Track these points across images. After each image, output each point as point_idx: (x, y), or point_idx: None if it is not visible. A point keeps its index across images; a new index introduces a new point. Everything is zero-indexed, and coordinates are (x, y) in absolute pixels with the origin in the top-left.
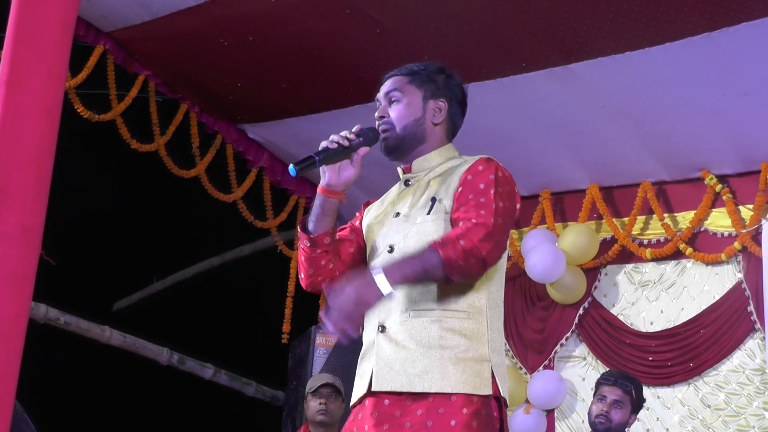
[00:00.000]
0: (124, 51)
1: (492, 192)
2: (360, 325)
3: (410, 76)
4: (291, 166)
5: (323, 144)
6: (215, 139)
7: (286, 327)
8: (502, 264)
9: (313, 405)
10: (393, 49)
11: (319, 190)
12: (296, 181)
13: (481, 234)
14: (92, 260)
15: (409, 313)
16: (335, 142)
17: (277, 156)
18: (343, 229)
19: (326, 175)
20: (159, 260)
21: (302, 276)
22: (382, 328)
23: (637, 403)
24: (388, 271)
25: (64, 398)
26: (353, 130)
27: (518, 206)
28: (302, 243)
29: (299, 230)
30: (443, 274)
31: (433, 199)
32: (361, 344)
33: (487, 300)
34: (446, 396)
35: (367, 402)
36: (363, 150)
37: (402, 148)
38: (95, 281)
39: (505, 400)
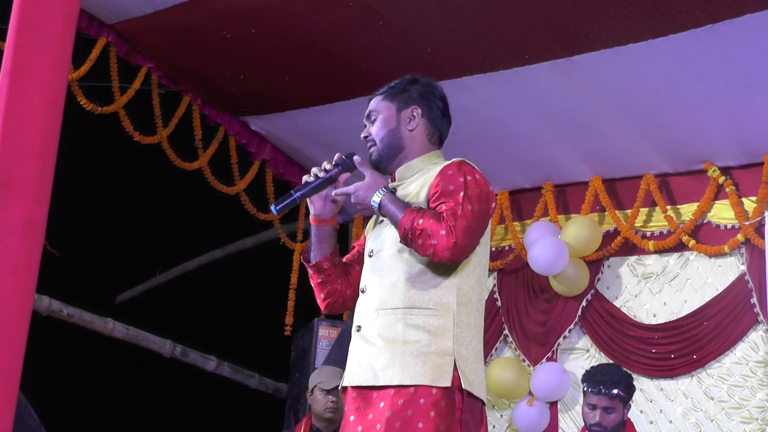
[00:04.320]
0: (127, 43)
1: (461, 195)
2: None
3: (384, 93)
4: (272, 206)
5: (304, 178)
6: (218, 131)
7: (288, 319)
8: (478, 262)
9: (323, 401)
10: (395, 41)
11: (310, 220)
12: (299, 173)
13: (443, 228)
14: (95, 253)
15: (378, 312)
16: (314, 175)
17: (279, 148)
18: (352, 249)
19: (313, 206)
20: (162, 252)
21: (319, 302)
22: (359, 328)
23: (628, 397)
24: (385, 198)
25: (67, 390)
26: (334, 159)
27: (493, 205)
28: (309, 272)
29: (302, 260)
30: (400, 235)
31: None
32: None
33: (456, 297)
34: (406, 388)
35: (346, 396)
36: (343, 176)
37: (384, 159)
38: (98, 274)
39: (470, 393)
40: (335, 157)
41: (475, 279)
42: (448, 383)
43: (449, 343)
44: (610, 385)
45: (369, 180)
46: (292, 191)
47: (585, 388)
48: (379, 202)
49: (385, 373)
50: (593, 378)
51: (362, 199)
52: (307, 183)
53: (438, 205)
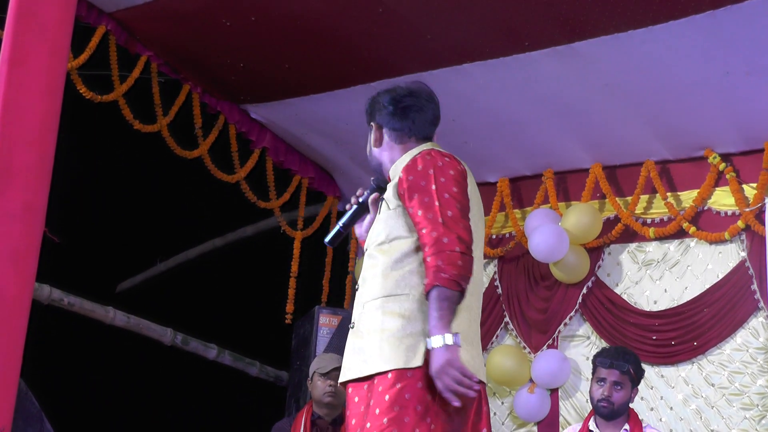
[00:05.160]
0: (126, 32)
1: (433, 188)
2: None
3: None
4: (325, 241)
5: (346, 207)
6: (218, 119)
7: (289, 307)
8: None
9: (321, 386)
10: (395, 28)
11: (359, 242)
12: (299, 161)
13: (441, 239)
14: (96, 241)
15: (364, 305)
16: (351, 204)
17: (279, 136)
18: None
19: (355, 231)
20: (162, 241)
21: None
22: (352, 324)
23: (637, 378)
24: (432, 333)
25: (68, 378)
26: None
27: (466, 181)
28: None
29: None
30: (455, 292)
31: (382, 200)
32: None
33: None
34: (384, 374)
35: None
36: (373, 196)
37: (379, 176)
38: (99, 262)
39: None
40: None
41: None
42: (419, 363)
43: (424, 325)
44: (622, 361)
45: (436, 369)
46: (339, 226)
47: (596, 364)
48: (443, 335)
49: (368, 364)
50: (605, 353)
51: (445, 364)
52: (346, 212)
53: (414, 214)
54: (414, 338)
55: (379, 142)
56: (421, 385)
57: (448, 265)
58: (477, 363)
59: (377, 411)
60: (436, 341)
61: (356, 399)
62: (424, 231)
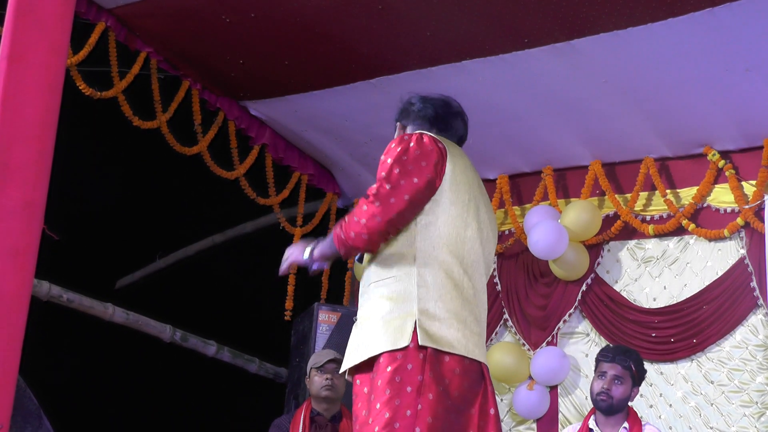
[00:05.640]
0: (126, 28)
1: (389, 161)
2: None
3: None
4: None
5: None
6: (217, 116)
7: (288, 304)
8: (444, 220)
9: (318, 380)
10: (394, 25)
11: None
12: (298, 158)
13: (362, 205)
14: (95, 238)
15: (362, 296)
16: None
17: (279, 133)
18: None
19: None
20: (162, 237)
21: None
22: (355, 317)
23: (638, 376)
24: (314, 248)
25: (67, 375)
26: None
27: (429, 166)
28: None
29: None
30: (336, 250)
31: None
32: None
33: (416, 259)
34: (377, 358)
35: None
36: None
37: None
38: (98, 259)
39: (435, 350)
40: None
41: (443, 238)
42: (406, 343)
43: (412, 305)
44: (623, 354)
45: (292, 247)
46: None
47: (598, 360)
48: (311, 250)
49: (359, 350)
50: (608, 349)
51: (294, 260)
52: None
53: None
54: (401, 319)
55: None
56: (411, 366)
57: (342, 229)
58: (470, 342)
59: (372, 397)
60: (306, 252)
61: (365, 390)
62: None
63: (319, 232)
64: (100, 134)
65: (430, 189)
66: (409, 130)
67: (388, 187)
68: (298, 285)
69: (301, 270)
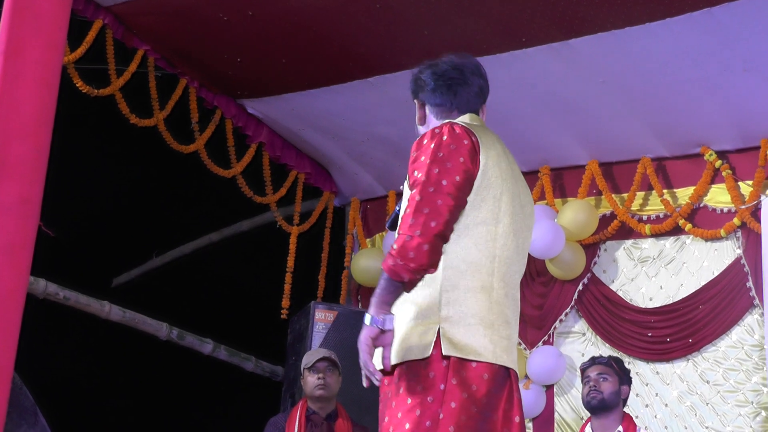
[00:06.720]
0: (123, 26)
1: (427, 162)
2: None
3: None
4: (387, 225)
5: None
6: (214, 114)
7: (285, 302)
8: (475, 219)
9: (311, 380)
10: (392, 24)
11: None
12: (295, 156)
13: (407, 220)
14: (91, 235)
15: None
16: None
17: (276, 131)
18: None
19: None
20: (158, 235)
21: None
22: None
23: (622, 374)
24: (370, 308)
25: (63, 373)
26: None
27: (467, 161)
28: None
29: None
30: (396, 284)
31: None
32: (361, 321)
33: (443, 263)
34: (401, 366)
35: None
36: None
37: None
38: (95, 256)
39: (458, 358)
40: None
41: (472, 238)
42: (429, 352)
43: (435, 311)
44: (601, 357)
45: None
46: (396, 207)
47: (581, 370)
48: (370, 316)
49: (387, 357)
50: (587, 359)
51: (365, 338)
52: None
53: (411, 182)
54: (425, 326)
55: (422, 120)
56: (433, 374)
57: (398, 254)
58: (498, 347)
59: (393, 404)
60: (366, 319)
61: (388, 394)
62: (407, 210)
63: (315, 231)
64: (97, 132)
65: (470, 184)
66: (428, 110)
67: (431, 190)
68: (294, 283)
69: (298, 268)
